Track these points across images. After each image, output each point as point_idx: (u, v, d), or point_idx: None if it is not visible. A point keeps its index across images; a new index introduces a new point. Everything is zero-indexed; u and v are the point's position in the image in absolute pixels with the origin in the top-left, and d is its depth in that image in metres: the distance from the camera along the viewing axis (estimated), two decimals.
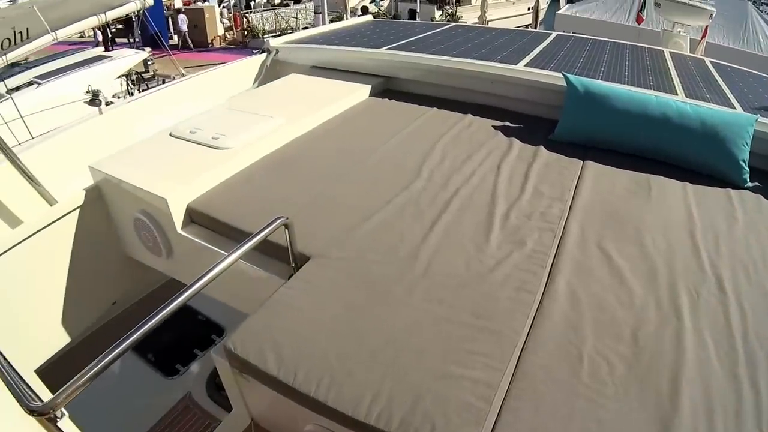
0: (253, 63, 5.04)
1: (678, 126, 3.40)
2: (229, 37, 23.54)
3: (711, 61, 5.68)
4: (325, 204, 2.85)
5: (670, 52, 5.89)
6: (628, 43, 6.24)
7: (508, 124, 4.01)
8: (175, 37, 23.01)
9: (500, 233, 2.61)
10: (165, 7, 25.24)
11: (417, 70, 4.58)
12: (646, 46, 6.22)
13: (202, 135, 3.43)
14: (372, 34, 5.49)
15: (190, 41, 21.85)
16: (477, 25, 6.77)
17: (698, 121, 3.38)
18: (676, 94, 3.89)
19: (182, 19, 21.85)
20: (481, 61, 4.40)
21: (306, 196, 2.92)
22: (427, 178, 3.10)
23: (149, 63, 18.26)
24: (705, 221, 2.81)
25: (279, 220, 2.20)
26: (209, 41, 22.43)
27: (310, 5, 25.32)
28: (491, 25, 28.67)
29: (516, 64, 4.33)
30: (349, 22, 6.48)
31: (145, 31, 22.31)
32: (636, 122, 3.50)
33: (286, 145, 3.57)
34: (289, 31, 22.53)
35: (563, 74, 3.85)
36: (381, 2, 25.85)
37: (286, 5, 27.58)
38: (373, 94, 4.56)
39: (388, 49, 4.79)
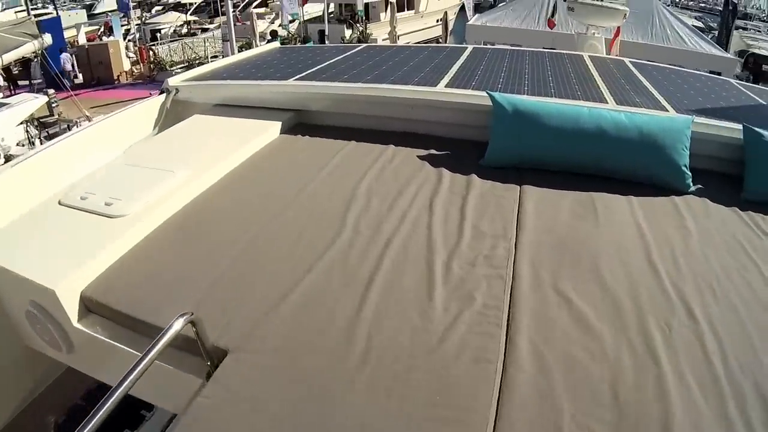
0: (152, 106, 4.53)
1: (615, 137, 3.28)
2: (136, 71, 22.88)
3: (631, 61, 5.71)
4: (239, 278, 2.45)
5: (589, 56, 5.89)
6: (547, 50, 6.23)
7: (434, 152, 3.75)
8: (80, 76, 22.22)
9: (444, 289, 2.30)
10: (68, 45, 24.37)
11: (329, 101, 4.30)
12: (565, 52, 6.24)
13: (94, 201, 2.98)
14: (279, 64, 5.19)
15: (73, 80, 20.77)
16: (389, 44, 6.62)
17: (635, 130, 3.29)
18: (607, 102, 3.84)
19: (65, 58, 20.98)
20: (398, 85, 4.17)
21: (216, 269, 2.50)
22: (353, 229, 2.75)
23: (53, 105, 17.51)
24: (658, 237, 2.71)
25: (182, 319, 1.81)
26: (116, 77, 21.73)
27: (218, 33, 24.95)
28: (402, 40, 29.00)
29: (435, 85, 4.14)
30: (254, 51, 6.09)
31: (47, 71, 21.49)
32: (570, 138, 3.35)
33: (191, 203, 3.12)
34: (196, 63, 22.10)
35: (487, 93, 3.66)
36: (290, 25, 25.64)
37: (194, 34, 27.09)
38: (284, 130, 4.18)
39: (296, 79, 4.47)
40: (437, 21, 31.72)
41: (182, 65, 22.60)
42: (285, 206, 3.00)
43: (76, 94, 19.97)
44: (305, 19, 27.99)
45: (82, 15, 29.93)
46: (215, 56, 24.20)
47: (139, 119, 4.46)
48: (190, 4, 32.89)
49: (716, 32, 27.83)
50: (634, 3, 8.11)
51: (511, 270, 2.44)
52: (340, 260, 2.51)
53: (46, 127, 13.50)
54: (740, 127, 3.50)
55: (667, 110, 3.78)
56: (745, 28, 33.63)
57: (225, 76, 4.83)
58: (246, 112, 4.38)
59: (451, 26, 31.60)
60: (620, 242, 2.66)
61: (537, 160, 3.45)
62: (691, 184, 3.25)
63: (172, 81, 4.69)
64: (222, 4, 21.27)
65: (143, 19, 27.36)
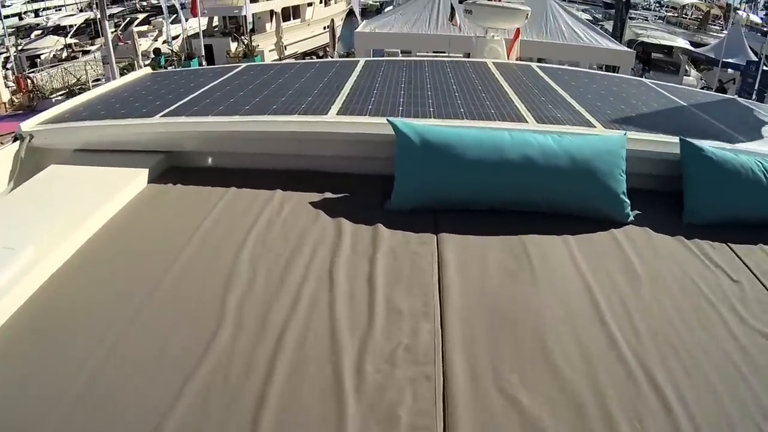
0: (2, 158, 3.88)
1: (543, 166, 2.85)
2: (16, 101, 22.21)
3: (539, 66, 5.52)
4: (94, 410, 1.79)
5: (493, 62, 5.56)
6: (447, 59, 5.92)
7: (330, 194, 3.21)
8: None
9: (358, 408, 1.73)
10: None
11: (200, 140, 3.73)
12: (467, 60, 6.05)
13: None
14: (148, 95, 4.55)
15: None
16: (272, 63, 6.20)
17: (565, 156, 2.87)
18: (526, 122, 3.51)
19: None
20: (280, 116, 3.62)
21: (69, 395, 1.82)
22: (234, 323, 2.11)
23: None
24: (606, 287, 2.34)
25: None
26: None
27: (99, 55, 24.51)
28: (290, 50, 29.22)
29: (326, 112, 3.64)
30: (122, 80, 5.42)
31: None
32: (492, 170, 2.87)
33: (37, 293, 2.39)
34: (77, 88, 21.66)
35: (388, 120, 3.14)
36: (173, 42, 25.53)
37: (74, 58, 26.49)
38: (153, 179, 3.53)
39: (164, 115, 3.82)
40: (324, 28, 32.16)
41: (63, 92, 22.11)
42: (149, 295, 2.32)
43: None
44: (189, 34, 27.85)
45: None
46: (98, 79, 23.73)
47: None
48: (71, 26, 32.05)
49: (602, 24, 29.42)
50: (527, 1, 7.76)
51: (441, 364, 1.94)
52: (220, 371, 1.92)
53: None
54: (676, 140, 3.24)
55: (593, 125, 3.53)
56: (632, 18, 35.30)
57: (85, 115, 4.15)
58: (110, 157, 3.80)
59: (338, 33, 32.18)
60: (565, 302, 2.26)
61: (454, 199, 2.97)
62: (630, 212, 2.94)
63: (26, 125, 4.01)
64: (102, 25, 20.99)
65: (18, 45, 26.49)
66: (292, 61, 6.46)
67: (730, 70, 21.99)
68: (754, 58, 20.37)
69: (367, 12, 40.66)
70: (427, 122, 3.39)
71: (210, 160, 3.82)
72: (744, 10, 38.82)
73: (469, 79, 4.70)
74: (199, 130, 3.66)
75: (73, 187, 3.37)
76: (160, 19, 28.68)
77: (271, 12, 29.38)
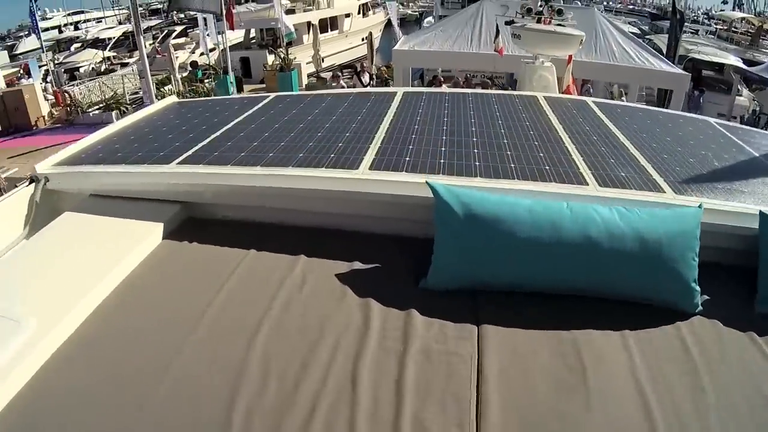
0: (18, 200, 3.74)
1: (607, 249, 2.46)
2: (56, 114, 22.25)
3: (595, 102, 4.96)
4: None
5: (544, 97, 5.03)
6: (493, 92, 5.34)
7: (359, 264, 2.88)
8: None
9: None
10: None
11: (219, 194, 3.47)
12: (516, 93, 5.36)
13: None
14: (169, 132, 4.33)
15: None
16: (302, 93, 5.48)
17: (633, 236, 2.48)
18: (586, 184, 3.08)
19: None
20: (307, 169, 3.29)
21: None
22: None
23: None
24: (666, 407, 2.02)
25: None
26: (33, 123, 21.08)
27: (136, 68, 24.45)
28: (327, 62, 28.92)
29: (357, 165, 3.30)
30: (146, 111, 5.21)
31: None
32: (547, 251, 2.49)
33: (37, 375, 2.19)
34: (113, 103, 21.58)
35: (428, 184, 2.78)
36: (212, 54, 25.34)
37: (113, 71, 26.53)
38: (168, 232, 3.33)
39: (182, 161, 3.61)
40: (362, 40, 31.77)
41: (100, 105, 22.08)
42: (154, 381, 2.11)
43: None
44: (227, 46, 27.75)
45: (3, 56, 29.11)
46: (135, 93, 23.75)
47: (6, 218, 3.68)
48: (109, 39, 32.25)
49: (650, 38, 28.30)
50: (575, 16, 6.78)
51: None
52: None
53: None
54: (754, 211, 2.86)
55: (662, 189, 3.12)
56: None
57: (101, 156, 4.02)
58: (125, 205, 3.61)
59: (376, 44, 31.77)
60: (619, 426, 1.98)
61: (500, 281, 2.60)
62: (700, 301, 2.57)
63: (41, 167, 3.97)
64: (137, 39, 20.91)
65: (55, 60, 26.61)
66: (323, 91, 5.28)
67: None
68: None
69: (406, 22, 40.44)
70: (473, 182, 3.03)
71: (229, 212, 3.54)
72: None
73: (519, 119, 4.25)
74: (217, 184, 3.38)
75: (85, 239, 3.22)
76: (198, 32, 28.58)
77: (309, 23, 29.19)
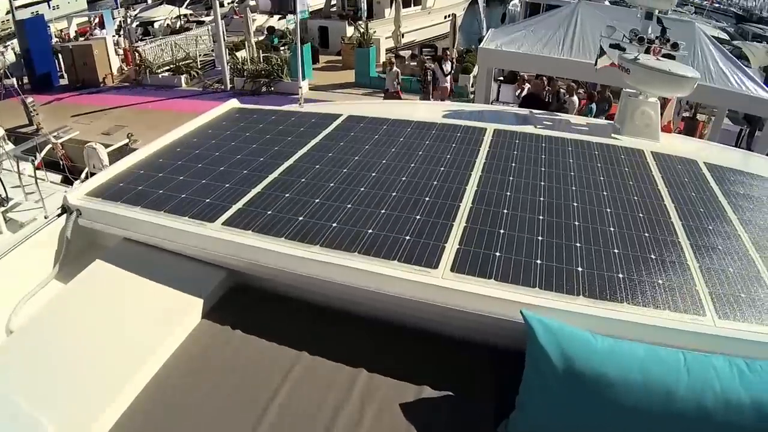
0: (49, 234, 3.47)
1: (719, 425, 2.18)
2: (126, 70, 21.68)
3: (706, 165, 4.40)
4: None
5: (652, 152, 4.50)
6: (595, 140, 4.63)
7: (429, 392, 2.53)
8: (66, 77, 21.08)
9: None
10: (59, 39, 23.24)
11: (271, 275, 3.09)
12: (620, 145, 4.67)
13: None
14: (220, 162, 3.90)
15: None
16: (381, 119, 4.79)
17: (751, 408, 2.16)
18: (704, 314, 2.68)
19: None
20: (375, 260, 2.85)
21: None
22: None
23: (32, 114, 16.37)
24: None
25: None
26: (101, 80, 20.55)
27: (212, 28, 23.62)
28: (407, 38, 27.61)
29: (436, 263, 2.84)
30: (199, 121, 4.79)
31: (32, 72, 20.45)
32: (654, 426, 2.23)
33: None
34: (184, 65, 20.91)
35: (523, 315, 2.46)
36: (290, 20, 24.20)
37: (188, 29, 25.77)
38: (209, 308, 2.99)
39: (225, 222, 3.21)
40: (445, 17, 30.27)
41: (171, 66, 21.39)
42: None
43: (59, 99, 18.99)
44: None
45: (82, 2, 28.70)
46: (208, 54, 23.02)
47: (34, 256, 3.39)
48: None
49: (737, 45, 25.78)
50: (674, 30, 5.79)
51: None
52: None
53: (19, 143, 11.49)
54: None
55: None
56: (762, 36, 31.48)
57: (141, 188, 3.63)
58: (162, 260, 3.26)
59: (459, 22, 30.27)
60: None
61: None
62: None
63: (73, 197, 3.57)
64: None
65: (128, 16, 25.96)
66: (402, 117, 4.80)
67: None
68: None
69: (490, 1, 38.54)
70: (575, 305, 2.64)
71: (281, 289, 3.17)
72: None
73: (625, 188, 3.83)
74: (267, 265, 3.01)
75: (113, 306, 2.96)
76: None
77: None
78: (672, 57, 5.52)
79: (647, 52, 5.46)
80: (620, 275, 2.87)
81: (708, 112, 15.76)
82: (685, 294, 2.81)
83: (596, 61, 6.22)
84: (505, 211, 3.36)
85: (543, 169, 3.94)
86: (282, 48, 21.23)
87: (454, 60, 18.56)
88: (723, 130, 14.83)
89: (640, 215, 3.49)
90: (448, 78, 16.35)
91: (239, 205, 3.36)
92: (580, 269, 2.87)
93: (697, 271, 3.01)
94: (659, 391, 2.22)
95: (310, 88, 18.89)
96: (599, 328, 2.48)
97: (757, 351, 2.46)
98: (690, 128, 15.85)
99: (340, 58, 23.39)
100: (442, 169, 3.83)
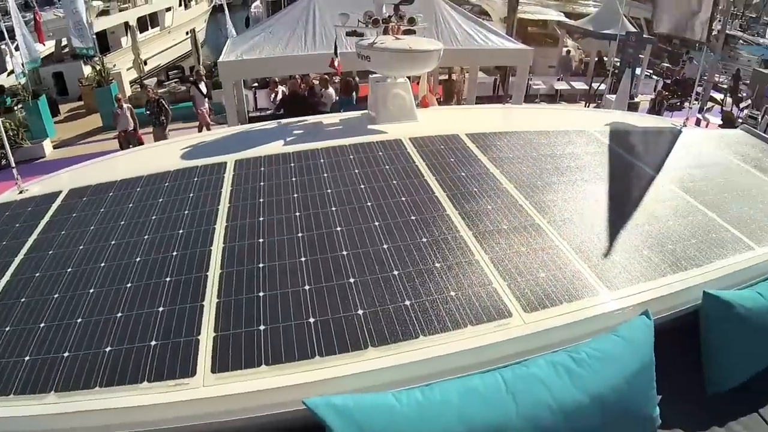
0: None
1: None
2: None
3: (468, 136, 4.32)
4: None
5: (411, 140, 4.24)
6: (349, 143, 4.22)
7: None
8: None
9: None
10: None
11: None
12: (377, 139, 4.28)
13: None
14: None
15: None
16: (106, 182, 3.96)
17: (590, 403, 2.20)
18: (510, 314, 2.57)
19: None
20: (113, 391, 2.30)
21: None
22: None
23: None
24: None
25: None
26: None
27: None
28: (151, 64, 26.58)
29: (191, 368, 2.37)
30: None
31: None
32: None
33: None
34: None
35: (306, 405, 2.15)
36: (20, 74, 22.22)
37: None
38: None
39: None
40: (186, 34, 29.67)
41: None
42: None
43: None
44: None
45: None
46: None
47: None
48: None
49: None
50: (415, 5, 5.52)
51: None
52: None
53: None
54: (698, 291, 2.84)
55: (595, 290, 2.73)
56: None
57: None
58: None
59: (202, 38, 29.78)
60: None
61: None
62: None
63: None
64: None
65: None
66: (134, 175, 3.88)
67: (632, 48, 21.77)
68: (632, 29, 20.40)
69: (231, 6, 38.25)
70: (363, 361, 2.30)
71: None
72: None
73: (392, 192, 3.50)
74: None
75: None
76: (3, 46, 25.18)
77: (126, 24, 26.76)
78: (413, 32, 5.40)
79: (385, 33, 5.27)
80: (406, 303, 2.61)
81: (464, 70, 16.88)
82: (483, 298, 2.64)
83: (336, 53, 6.15)
84: (261, 265, 2.87)
85: (296, 195, 3.51)
86: (16, 108, 19.39)
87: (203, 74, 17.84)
88: (479, 83, 16.20)
89: (413, 218, 3.23)
90: (206, 101, 15.50)
91: None
92: (360, 312, 2.55)
93: (489, 266, 2.86)
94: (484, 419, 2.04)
95: (55, 147, 17.09)
96: (402, 380, 2.25)
97: (578, 331, 2.49)
98: (448, 91, 17.14)
99: (82, 102, 21.37)
100: (180, 232, 3.22)
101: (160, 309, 2.63)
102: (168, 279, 2.82)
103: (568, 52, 23.99)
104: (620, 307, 2.67)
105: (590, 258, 2.96)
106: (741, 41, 41.47)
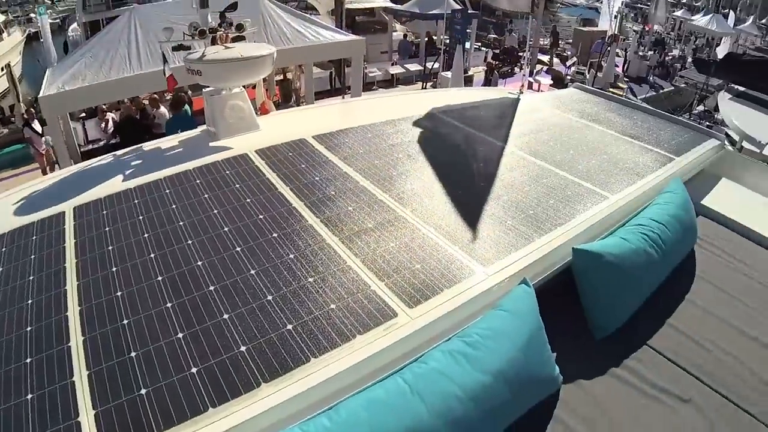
0: None
1: (477, 411, 2.17)
2: None
3: (316, 138, 4.21)
4: None
5: (258, 153, 4.02)
6: (192, 166, 3.90)
7: None
8: None
9: None
10: None
11: None
12: (221, 159, 3.97)
13: None
14: None
15: None
16: None
17: (493, 380, 2.27)
18: (395, 314, 2.53)
19: None
20: None
21: None
22: None
23: None
24: None
25: None
26: None
27: None
28: None
29: None
30: None
31: None
32: None
33: None
34: None
35: None
36: None
37: None
38: None
39: None
40: (1, 70, 27.49)
41: None
42: None
43: None
44: None
45: None
46: None
47: None
48: None
49: None
50: (241, 9, 5.22)
51: None
52: None
53: None
54: (567, 248, 2.99)
55: (470, 270, 2.78)
56: None
57: None
58: None
59: (18, 71, 27.66)
60: None
61: None
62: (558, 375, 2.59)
63: None
64: None
65: None
66: None
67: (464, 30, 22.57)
68: (456, 6, 21.30)
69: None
70: (259, 406, 2.10)
71: None
72: None
73: (247, 211, 3.28)
74: None
75: None
76: None
77: None
78: (242, 38, 5.14)
79: (213, 43, 4.95)
80: (288, 327, 2.45)
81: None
82: (365, 304, 2.58)
83: (164, 71, 5.51)
84: (125, 321, 2.54)
85: (147, 234, 3.17)
86: None
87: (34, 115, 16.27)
88: (315, 78, 16.25)
89: (275, 235, 3.07)
90: (42, 140, 13.83)
91: None
92: (243, 348, 2.35)
93: (363, 269, 2.80)
94: None
95: None
96: (304, 409, 2.14)
97: (465, 313, 2.52)
98: (286, 91, 16.95)
99: None
100: (29, 302, 2.75)
101: (29, 397, 2.21)
102: (29, 361, 2.40)
103: (405, 36, 24.61)
104: (499, 281, 2.72)
105: (460, 239, 3.00)
106: (559, 4, 44.48)
